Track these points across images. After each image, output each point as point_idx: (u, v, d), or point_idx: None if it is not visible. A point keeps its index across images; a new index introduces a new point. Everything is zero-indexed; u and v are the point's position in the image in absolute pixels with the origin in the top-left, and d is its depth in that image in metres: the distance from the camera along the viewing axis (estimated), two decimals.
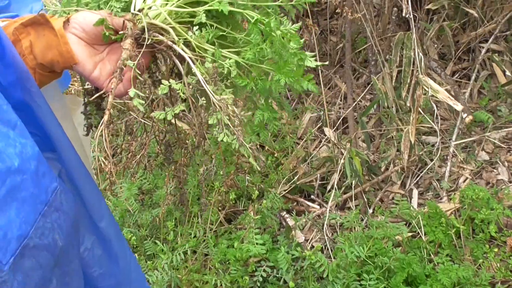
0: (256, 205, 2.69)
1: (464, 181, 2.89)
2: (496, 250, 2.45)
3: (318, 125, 3.39)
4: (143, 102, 1.00)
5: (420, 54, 2.30)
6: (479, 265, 2.44)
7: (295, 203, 2.93)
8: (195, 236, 2.64)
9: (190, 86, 1.05)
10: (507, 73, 3.21)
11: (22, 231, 0.92)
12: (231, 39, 1.14)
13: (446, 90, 3.20)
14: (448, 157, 2.90)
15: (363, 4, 3.28)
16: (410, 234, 2.60)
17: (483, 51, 3.21)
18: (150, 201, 2.80)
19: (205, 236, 2.63)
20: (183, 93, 1.05)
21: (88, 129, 1.35)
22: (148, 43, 1.05)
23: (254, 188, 2.73)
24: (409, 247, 2.53)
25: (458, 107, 2.24)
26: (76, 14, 1.10)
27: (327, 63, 1.62)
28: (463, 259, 2.48)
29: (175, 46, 1.03)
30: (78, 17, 1.09)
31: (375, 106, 3.26)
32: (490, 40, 3.18)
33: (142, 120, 2.54)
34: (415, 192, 2.89)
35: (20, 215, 0.92)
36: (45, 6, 1.24)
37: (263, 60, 1.09)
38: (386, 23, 3.49)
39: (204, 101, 1.04)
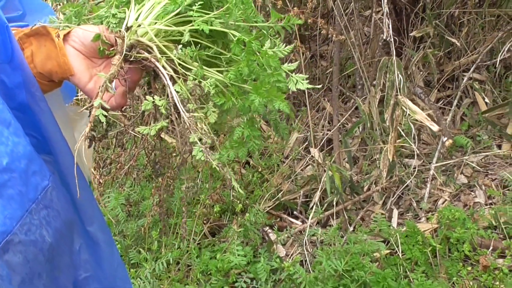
0: (239, 219, 2.77)
1: (443, 202, 2.98)
2: (469, 268, 2.53)
3: (305, 145, 3.48)
4: (106, 113, 1.05)
5: (400, 76, 2.40)
6: (453, 283, 2.52)
7: (278, 219, 3.01)
8: (179, 247, 2.71)
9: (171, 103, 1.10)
10: (486, 100, 3.32)
11: (7, 227, 0.97)
12: (226, 59, 1.17)
13: (428, 114, 3.32)
14: (428, 179, 2.99)
15: (352, 31, 3.40)
16: (388, 251, 2.68)
17: (465, 79, 3.32)
18: (136, 212, 2.87)
19: (188, 247, 2.70)
20: (165, 110, 1.11)
21: (91, 141, 1.41)
22: (133, 59, 1.10)
23: (237, 202, 2.81)
24: (386, 264, 2.61)
25: (435, 127, 2.34)
26: (76, 28, 1.16)
27: (319, 86, 1.71)
28: (438, 277, 2.56)
29: (156, 63, 1.08)
30: (78, 31, 1.15)
31: (360, 129, 3.36)
32: (471, 69, 3.29)
33: (132, 133, 2.62)
34: (395, 212, 2.98)
35: (5, 212, 0.97)
36: (57, 18, 1.30)
37: (246, 80, 1.12)
38: (375, 49, 3.60)
39: (176, 119, 1.09)
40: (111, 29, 1.12)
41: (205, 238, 2.86)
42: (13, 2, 1.32)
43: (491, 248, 2.63)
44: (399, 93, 2.31)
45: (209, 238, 2.85)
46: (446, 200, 2.99)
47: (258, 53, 1.08)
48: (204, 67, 1.13)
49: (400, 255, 2.62)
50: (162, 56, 1.06)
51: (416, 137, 3.34)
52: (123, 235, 2.75)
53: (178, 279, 2.61)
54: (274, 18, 1.21)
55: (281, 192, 3.04)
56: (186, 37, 1.08)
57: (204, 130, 1.05)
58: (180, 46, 1.08)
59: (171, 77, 1.08)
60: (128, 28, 1.08)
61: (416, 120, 2.38)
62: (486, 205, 2.91)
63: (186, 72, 1.08)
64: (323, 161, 3.07)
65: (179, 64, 1.07)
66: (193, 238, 2.73)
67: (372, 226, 2.74)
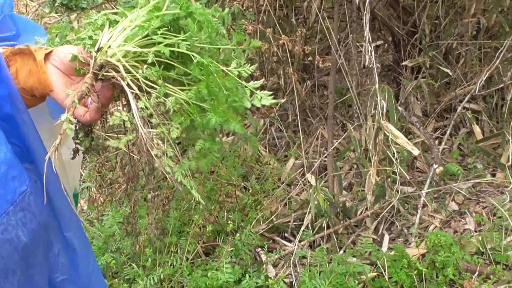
0: (230, 239, 2.86)
1: (434, 229, 3.04)
2: None
3: (302, 171, 3.56)
4: (72, 127, 1.14)
5: (383, 101, 2.49)
6: None
7: (271, 241, 3.08)
8: (172, 265, 2.80)
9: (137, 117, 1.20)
10: (478, 129, 3.39)
11: None
12: (193, 78, 1.25)
13: (422, 143, 3.41)
14: (419, 206, 3.06)
15: (350, 61, 3.52)
16: (375, 274, 2.74)
17: (458, 109, 3.40)
18: (132, 231, 2.97)
19: (181, 266, 2.78)
20: (130, 123, 1.21)
21: (75, 153, 1.51)
22: (103, 78, 1.20)
23: (229, 222, 2.90)
24: (373, 286, 2.67)
25: (415, 152, 2.42)
26: (57, 48, 1.28)
27: (283, 100, 1.80)
28: None
29: (122, 82, 1.18)
30: (58, 50, 1.26)
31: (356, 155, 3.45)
32: (465, 99, 3.37)
33: (131, 154, 2.73)
34: (386, 237, 3.04)
35: None
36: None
37: (206, 99, 1.21)
38: (372, 78, 3.70)
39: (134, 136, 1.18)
40: (86, 49, 1.24)
41: (199, 258, 2.94)
42: (7, 23, 1.45)
43: (476, 273, 2.69)
44: (381, 119, 2.40)
45: (203, 258, 2.94)
46: (436, 226, 3.05)
47: (215, 75, 1.18)
48: (169, 85, 1.23)
49: (387, 278, 2.68)
50: (127, 75, 1.17)
51: (411, 165, 3.44)
52: (119, 252, 2.85)
53: None
54: (236, 40, 1.31)
55: (275, 215, 3.12)
56: (150, 59, 1.19)
57: (160, 145, 1.14)
58: (146, 66, 1.19)
59: (137, 95, 1.18)
60: (99, 49, 1.19)
61: (398, 144, 2.46)
62: (475, 231, 2.97)
63: (150, 90, 1.19)
64: (316, 186, 3.15)
65: (144, 83, 1.18)
66: (186, 257, 2.82)
67: (359, 248, 2.80)
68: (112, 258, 2.74)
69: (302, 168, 3.58)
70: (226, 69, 1.27)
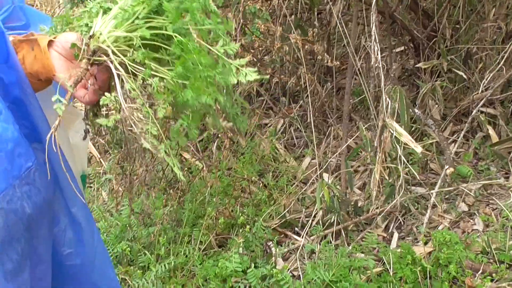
0: (241, 231, 2.97)
1: (442, 228, 3.09)
2: None
3: (319, 171, 3.65)
4: (63, 107, 1.24)
5: (392, 101, 2.57)
6: None
7: (282, 235, 3.18)
8: (185, 255, 2.92)
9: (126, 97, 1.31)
10: (492, 133, 3.43)
11: None
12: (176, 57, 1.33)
13: (437, 144, 3.46)
14: (429, 205, 3.11)
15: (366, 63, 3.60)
16: (380, 269, 2.81)
17: (473, 112, 3.45)
18: (149, 221, 3.10)
19: (193, 255, 2.90)
20: (118, 105, 1.31)
21: (86, 133, 1.64)
22: (97, 62, 1.31)
23: (240, 214, 3.00)
24: (377, 281, 2.74)
25: (418, 149, 2.49)
26: (60, 35, 1.40)
27: (267, 76, 1.88)
28: None
29: (110, 64, 1.29)
30: (60, 37, 1.38)
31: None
32: (480, 103, 3.41)
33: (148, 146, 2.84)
34: (396, 235, 3.10)
35: None
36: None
37: (188, 77, 1.30)
38: (387, 80, 3.77)
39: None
40: (82, 36, 1.36)
41: (212, 249, 3.05)
42: (17, 14, 1.58)
43: (480, 271, 2.73)
44: (386, 117, 2.48)
45: (216, 249, 3.05)
46: (445, 226, 3.10)
47: (192, 52, 1.27)
48: (159, 67, 1.34)
49: (391, 273, 2.74)
50: (115, 58, 1.28)
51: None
52: (135, 240, 2.98)
53: (181, 283, 2.81)
54: (215, 19, 1.40)
55: (288, 210, 3.22)
56: (135, 41, 1.30)
57: (141, 118, 1.25)
58: (132, 49, 1.30)
59: (124, 76, 1.30)
60: (91, 36, 1.31)
61: (406, 145, 2.53)
62: (483, 232, 3.01)
63: (137, 72, 1.30)
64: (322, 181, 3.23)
65: (131, 65, 1.29)
66: (198, 247, 2.93)
67: (365, 244, 2.88)
68: (127, 246, 2.87)
69: (318, 167, 3.67)
70: (211, 48, 1.36)
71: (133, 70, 1.29)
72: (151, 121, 1.27)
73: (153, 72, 1.29)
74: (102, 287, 1.56)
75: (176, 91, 1.29)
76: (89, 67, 1.32)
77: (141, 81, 1.28)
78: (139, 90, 1.29)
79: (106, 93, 1.31)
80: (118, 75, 1.28)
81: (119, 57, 1.29)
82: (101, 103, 1.31)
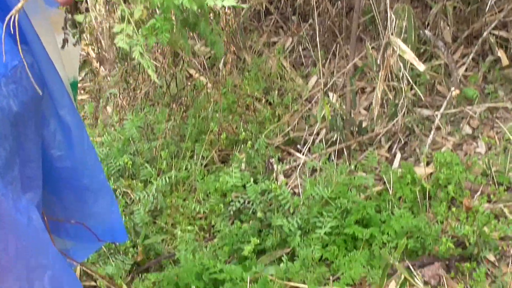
0: (244, 147, 2.98)
1: (445, 150, 3.08)
2: (454, 209, 2.65)
3: (325, 90, 3.62)
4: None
5: (393, 16, 2.51)
6: (437, 221, 2.65)
7: (285, 153, 3.19)
8: (187, 169, 2.95)
9: None
10: (503, 56, 3.37)
11: None
12: None
13: (445, 65, 3.41)
14: (433, 127, 3.10)
15: None
16: (381, 187, 2.83)
17: (484, 34, 3.38)
18: (152, 135, 3.11)
19: (195, 170, 2.92)
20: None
21: (64, 42, 1.62)
22: None
23: (242, 131, 3.01)
24: (376, 199, 2.76)
25: (421, 67, 2.45)
26: None
27: (246, 5, 1.85)
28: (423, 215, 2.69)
29: None
30: None
31: None
32: (492, 25, 3.34)
33: (154, 62, 2.83)
34: (398, 156, 3.11)
35: None
36: None
37: None
38: None
39: None
40: None
41: (214, 164, 3.07)
42: None
43: (479, 192, 2.75)
44: (391, 35, 2.43)
45: (218, 165, 3.07)
46: (448, 148, 3.10)
47: None
48: None
49: (391, 192, 2.76)
50: None
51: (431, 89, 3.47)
52: (137, 154, 3.00)
53: (182, 197, 2.84)
54: None
55: (291, 128, 3.22)
56: None
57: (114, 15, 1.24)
58: None
59: None
60: None
61: (413, 66, 2.50)
62: (485, 155, 3.00)
63: None
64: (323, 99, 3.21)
65: None
66: (200, 162, 2.95)
67: (366, 162, 2.89)
68: (130, 160, 2.90)
69: (323, 86, 3.64)
70: None
71: None
72: (127, 22, 1.26)
73: None
74: (94, 190, 1.58)
75: None
76: None
77: None
78: None
79: None
80: None
81: None
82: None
